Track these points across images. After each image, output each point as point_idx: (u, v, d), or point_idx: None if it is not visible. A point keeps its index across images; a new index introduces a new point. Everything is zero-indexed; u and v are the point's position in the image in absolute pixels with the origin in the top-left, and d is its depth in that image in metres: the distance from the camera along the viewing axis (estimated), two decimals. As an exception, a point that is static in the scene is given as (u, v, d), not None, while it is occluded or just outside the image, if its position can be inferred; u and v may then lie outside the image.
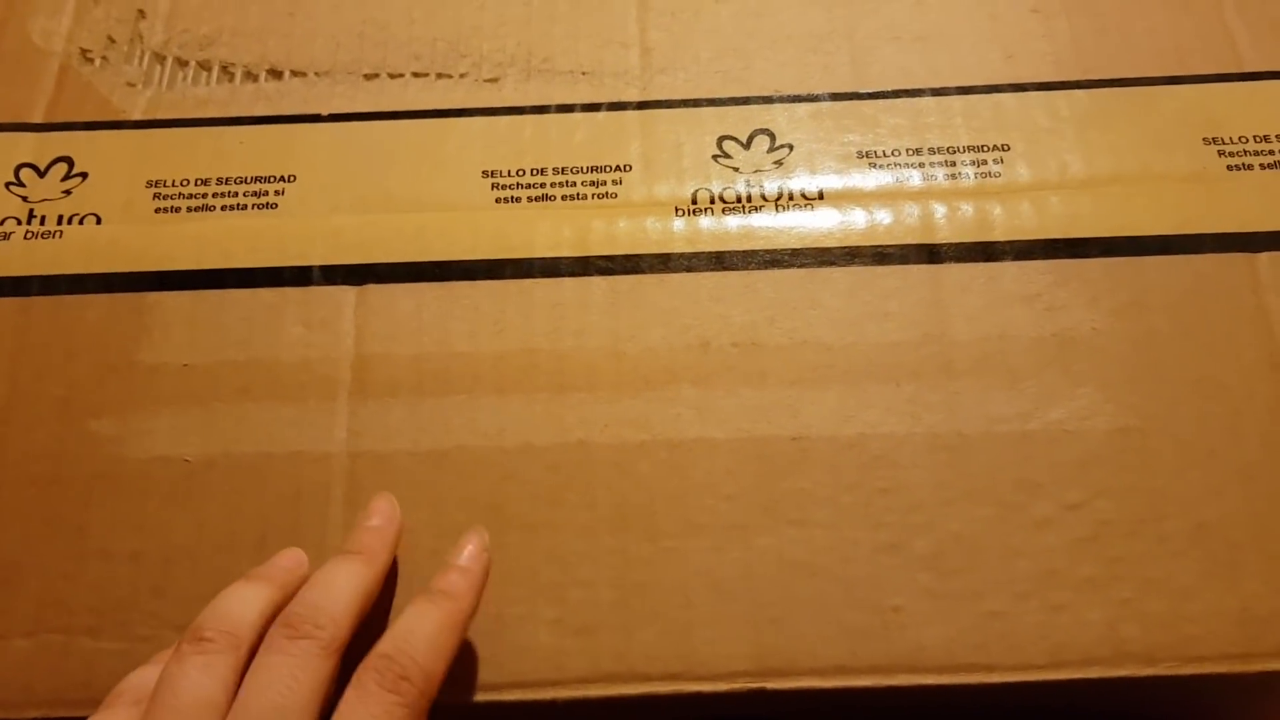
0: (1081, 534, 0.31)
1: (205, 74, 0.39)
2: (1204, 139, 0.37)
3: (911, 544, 0.31)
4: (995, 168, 0.36)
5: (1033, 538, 0.31)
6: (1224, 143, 0.36)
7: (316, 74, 0.39)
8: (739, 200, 0.36)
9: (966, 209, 0.35)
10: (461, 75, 0.39)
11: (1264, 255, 0.34)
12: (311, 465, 0.32)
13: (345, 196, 0.36)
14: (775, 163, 0.37)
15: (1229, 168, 0.36)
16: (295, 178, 0.37)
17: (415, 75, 0.39)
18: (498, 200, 0.36)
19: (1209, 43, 0.39)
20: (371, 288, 0.35)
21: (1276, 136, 0.37)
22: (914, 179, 0.36)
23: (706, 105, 0.38)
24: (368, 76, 0.39)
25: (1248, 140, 0.36)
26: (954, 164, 0.36)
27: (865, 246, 0.35)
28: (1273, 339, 0.33)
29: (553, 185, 0.37)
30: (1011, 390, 0.33)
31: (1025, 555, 0.31)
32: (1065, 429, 0.32)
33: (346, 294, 0.35)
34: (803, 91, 0.38)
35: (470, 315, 0.34)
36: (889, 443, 0.32)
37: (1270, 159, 0.36)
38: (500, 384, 0.33)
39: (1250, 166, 0.36)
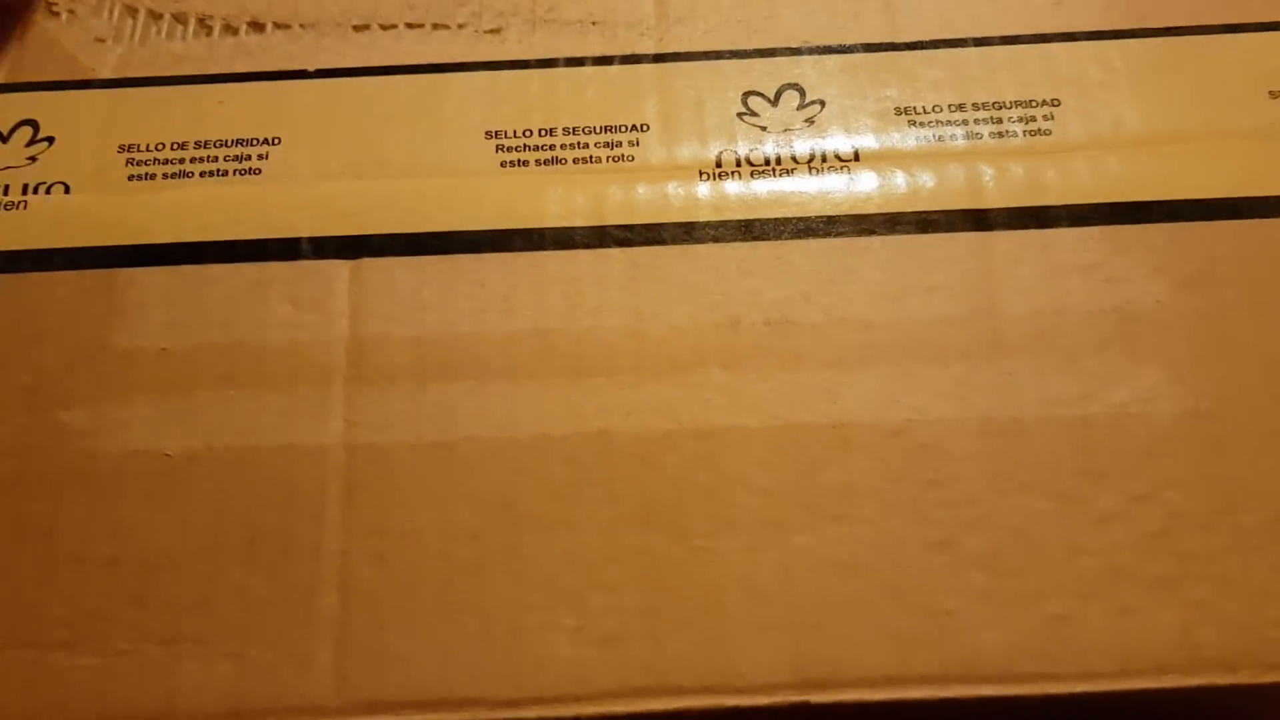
0: (1150, 528, 0.28)
1: (181, 28, 0.36)
2: (1270, 92, 0.34)
3: (964, 541, 0.28)
4: (1045, 124, 0.33)
5: (1097, 533, 0.28)
6: (1293, 96, 0.33)
7: (301, 26, 0.36)
8: (767, 163, 0.33)
9: (1016, 170, 0.32)
10: (460, 26, 0.36)
11: (1340, 219, 0.31)
12: (304, 459, 0.29)
13: (335, 161, 0.33)
14: (806, 121, 0.34)
15: (1299, 123, 0.33)
16: (280, 140, 0.33)
17: (409, 26, 0.36)
18: (503, 164, 0.33)
19: (1273, -13, 0.35)
20: (366, 262, 0.32)
21: (1350, 89, 0.33)
22: (958, 138, 0.33)
23: (729, 58, 0.35)
24: (357, 28, 0.35)
25: (1319, 93, 0.33)
26: (1000, 120, 0.33)
27: (907, 213, 0.32)
28: (1352, 311, 0.30)
29: (563, 147, 0.33)
30: (1069, 370, 0.30)
31: (1089, 553, 0.28)
32: (1129, 412, 0.30)
33: (339, 269, 0.31)
34: (833, 42, 0.35)
35: (476, 292, 0.31)
36: (938, 429, 0.30)
37: (1344, 113, 0.33)
38: (511, 368, 0.30)
39: (1322, 122, 0.33)
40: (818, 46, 0.35)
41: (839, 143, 0.33)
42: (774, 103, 0.34)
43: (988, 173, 0.32)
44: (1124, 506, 0.29)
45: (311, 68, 0.35)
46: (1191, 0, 0.35)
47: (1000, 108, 0.34)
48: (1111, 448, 0.29)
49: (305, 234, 0.32)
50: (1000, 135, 0.33)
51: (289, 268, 0.31)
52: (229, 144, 0.33)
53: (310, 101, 0.34)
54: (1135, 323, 0.31)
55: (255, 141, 0.33)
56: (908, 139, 0.33)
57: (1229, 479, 0.29)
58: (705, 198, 0.32)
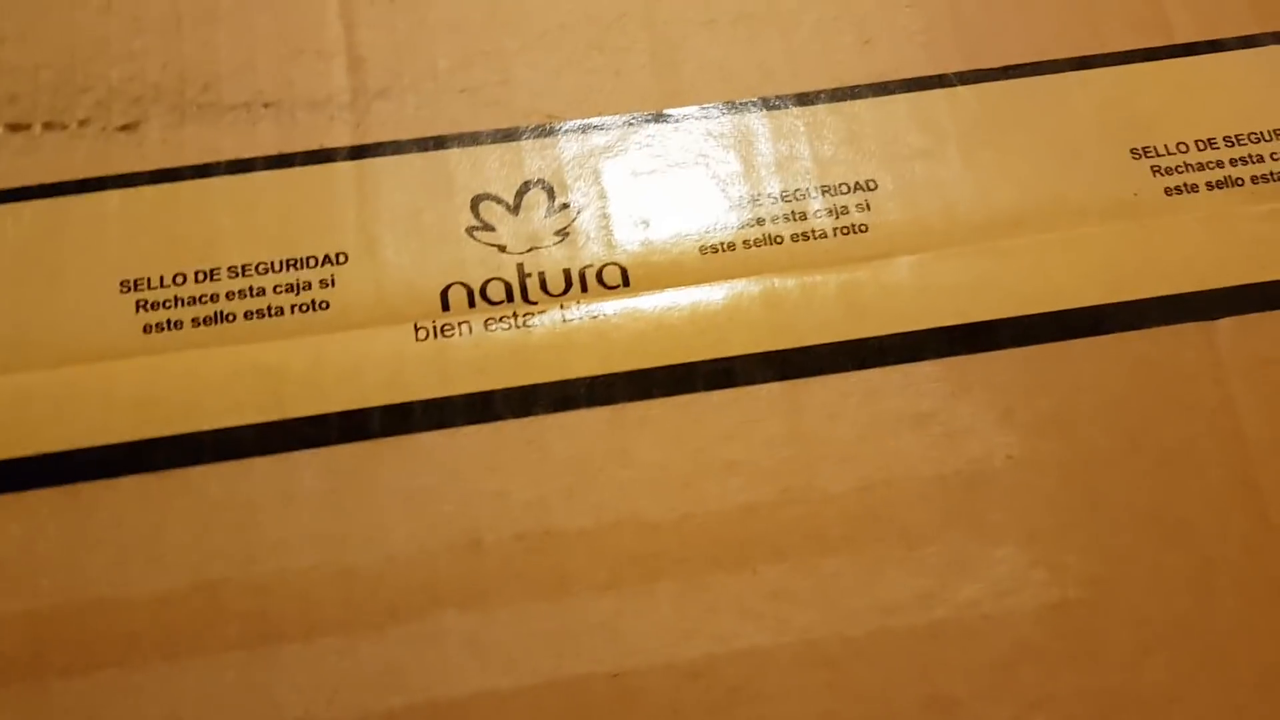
0: (1018, 773, 0.22)
1: None
2: (1132, 150, 0.27)
3: (791, 820, 0.22)
4: (860, 216, 0.26)
5: (954, 788, 0.22)
6: (1157, 154, 0.27)
7: None
8: (509, 297, 0.25)
9: (826, 286, 0.25)
10: (81, 123, 0.26)
11: (1224, 322, 0.25)
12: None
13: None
14: (558, 233, 0.26)
15: (1167, 191, 0.27)
16: None
17: (9, 129, 0.26)
18: (146, 329, 0.24)
19: (1128, 3, 0.28)
20: (-54, 507, 0.22)
21: (1223, 140, 0.27)
22: (751, 241, 0.26)
23: (453, 145, 0.26)
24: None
25: (1186, 148, 0.27)
26: (804, 216, 0.26)
27: (696, 362, 0.24)
28: (1243, 446, 0.24)
29: (229, 296, 0.25)
30: (908, 563, 0.23)
31: (946, 816, 0.22)
32: (983, 613, 0.23)
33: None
34: (590, 115, 0.27)
35: (112, 537, 0.22)
36: (749, 664, 0.23)
37: (1217, 173, 0.27)
38: (170, 645, 0.22)
39: (1194, 188, 0.27)
40: (569, 122, 0.27)
41: (601, 259, 0.25)
42: (514, 210, 0.26)
43: (791, 292, 0.25)
44: (985, 744, 0.22)
45: None
46: (1031, 30, 0.28)
47: (802, 197, 0.26)
48: (964, 665, 0.23)
49: None
50: (805, 237, 0.26)
51: None
52: None
53: None
54: (984, 488, 0.24)
55: None
56: (689, 251, 0.25)
57: (1111, 691, 0.23)
58: (426, 363, 0.24)
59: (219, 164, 0.26)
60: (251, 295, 0.25)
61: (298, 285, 0.25)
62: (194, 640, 0.22)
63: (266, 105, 0.26)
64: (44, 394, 0.23)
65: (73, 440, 0.23)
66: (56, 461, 0.23)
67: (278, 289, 0.25)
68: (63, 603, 0.22)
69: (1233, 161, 0.27)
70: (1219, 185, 0.27)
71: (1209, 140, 0.27)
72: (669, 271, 0.25)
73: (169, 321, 0.24)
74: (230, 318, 0.24)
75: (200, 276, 0.25)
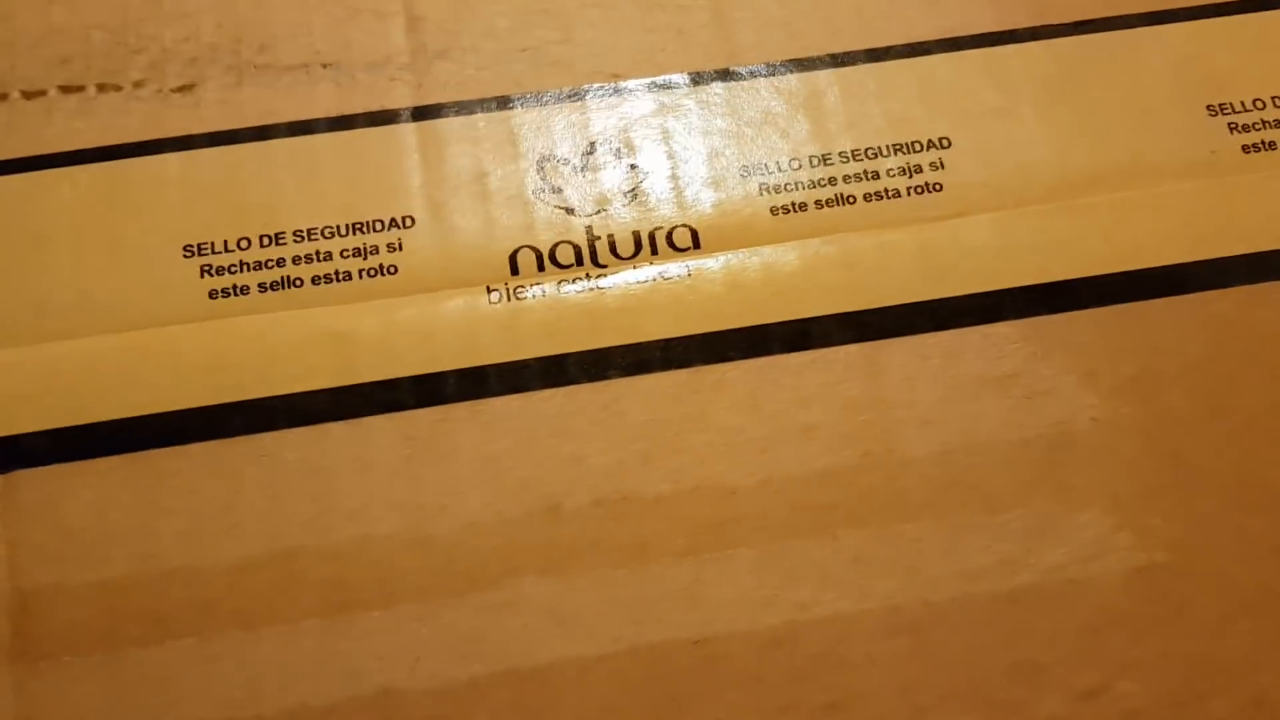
0: (1106, 738, 0.22)
1: None
2: (1208, 107, 0.26)
3: (877, 787, 0.22)
4: (933, 175, 0.25)
5: (1041, 753, 0.22)
6: (1234, 110, 0.26)
7: (-100, 102, 0.25)
8: (579, 260, 0.24)
9: (903, 246, 0.25)
10: (136, 84, 0.26)
11: (1308, 282, 0.25)
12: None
13: (-32, 317, 0.23)
14: (626, 194, 0.25)
15: (1244, 148, 0.26)
16: None
17: (63, 90, 0.25)
18: (211, 294, 0.24)
19: (1200, -42, 0.28)
20: (20, 476, 0.22)
21: (1301, 96, 0.26)
22: (824, 202, 0.25)
23: (516, 106, 0.26)
24: (-15, 101, 0.25)
25: (1265, 104, 0.26)
26: (877, 175, 0.25)
27: (771, 324, 0.24)
28: (1328, 408, 0.24)
29: (295, 261, 0.24)
30: (990, 528, 0.23)
31: (1033, 782, 0.22)
32: (1068, 578, 0.23)
33: (-20, 487, 0.22)
34: (655, 74, 0.26)
35: (185, 505, 0.22)
36: (830, 631, 0.22)
37: (1297, 130, 0.26)
38: (247, 613, 0.22)
39: (1273, 145, 0.26)
40: (634, 81, 0.26)
41: (671, 222, 0.25)
42: (582, 169, 0.25)
43: (867, 252, 0.24)
44: (1070, 709, 0.22)
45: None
46: (1103, -17, 0.27)
47: (874, 156, 0.25)
48: (1049, 629, 0.23)
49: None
50: (877, 196, 0.25)
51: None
52: None
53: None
54: (1068, 450, 0.24)
55: None
56: (760, 211, 0.25)
57: (1197, 656, 0.23)
58: (499, 327, 0.24)
59: (279, 126, 0.25)
60: (318, 260, 0.24)
61: (365, 249, 0.24)
62: (271, 609, 0.22)
63: (325, 66, 0.26)
64: (111, 359, 0.23)
65: (142, 406, 0.23)
66: (127, 428, 0.22)
67: (344, 254, 0.24)
68: (137, 572, 0.22)
69: (1312, 118, 0.26)
70: (1299, 142, 0.26)
71: (1288, 95, 0.26)
72: (740, 232, 0.25)
73: (235, 287, 0.24)
74: (298, 283, 0.24)
75: (265, 241, 0.24)
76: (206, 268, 0.24)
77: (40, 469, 0.22)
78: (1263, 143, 0.26)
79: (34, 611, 0.21)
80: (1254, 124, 0.26)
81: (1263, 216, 0.25)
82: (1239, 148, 0.26)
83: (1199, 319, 0.24)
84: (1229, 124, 0.26)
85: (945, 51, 0.27)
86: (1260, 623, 0.23)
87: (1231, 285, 0.25)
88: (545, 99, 0.26)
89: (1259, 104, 0.26)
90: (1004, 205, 0.25)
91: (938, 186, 0.25)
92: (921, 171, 0.26)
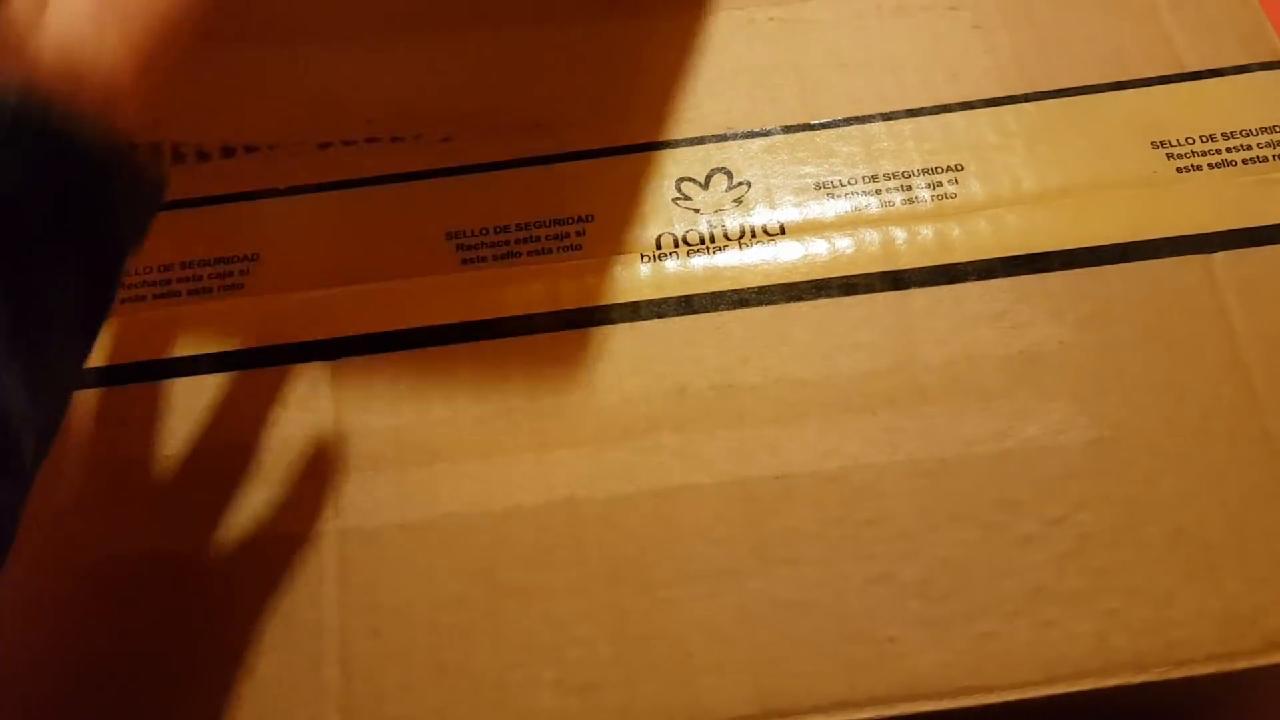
0: (1065, 548, 0.32)
1: (158, 151, 0.39)
2: (1152, 143, 0.37)
3: (900, 573, 0.32)
4: (951, 188, 0.37)
5: (1018, 556, 0.32)
6: (1171, 145, 0.37)
7: (270, 147, 0.39)
8: (702, 242, 0.36)
9: (926, 232, 0.36)
10: (416, 138, 0.39)
11: (1219, 255, 0.35)
12: (303, 546, 0.32)
13: (311, 271, 0.36)
14: (735, 200, 0.37)
15: (1178, 170, 0.37)
16: (259, 256, 0.37)
17: (369, 141, 0.39)
18: (464, 261, 0.37)
19: (1148, 46, 0.39)
20: (346, 361, 0.35)
21: (1221, 135, 0.37)
22: (872, 206, 0.37)
23: (663, 148, 0.39)
24: (321, 146, 0.39)
25: (1194, 141, 0.37)
26: (910, 188, 0.37)
27: (831, 279, 0.35)
28: (1233, 338, 0.34)
29: (517, 242, 0.37)
30: (985, 411, 0.33)
31: (1012, 574, 0.31)
32: (1041, 445, 0.33)
33: (321, 370, 0.35)
34: (755, 127, 0.39)
35: (446, 381, 0.34)
36: (870, 473, 0.33)
37: (1217, 158, 0.37)
38: (483, 447, 0.34)
39: (1199, 167, 0.37)
40: (741, 132, 0.39)
41: (765, 218, 0.37)
42: (705, 186, 0.38)
43: (900, 236, 0.36)
44: (1041, 530, 0.32)
45: (283, 185, 0.38)
46: (1075, 63, 0.39)
47: (909, 176, 0.37)
48: (1027, 478, 0.33)
49: (288, 340, 0.35)
50: (911, 201, 0.37)
51: (276, 373, 0.35)
52: (211, 263, 0.37)
53: (284, 217, 0.37)
54: (1041, 363, 0.34)
55: (236, 259, 0.37)
56: (827, 211, 0.37)
57: (1132, 498, 0.32)
58: (647, 278, 0.36)
59: (508, 161, 0.39)
60: (530, 241, 0.37)
61: (561, 235, 0.37)
62: (499, 445, 0.34)
63: (538, 125, 0.39)
64: (404, 293, 0.36)
65: (423, 321, 0.35)
66: (411, 335, 0.35)
67: (548, 237, 0.37)
68: (415, 421, 0.34)
69: (1229, 149, 0.37)
70: (1218, 166, 0.37)
71: (1210, 135, 0.37)
72: (813, 226, 0.37)
73: (478, 257, 0.37)
74: (518, 255, 0.37)
75: (498, 230, 0.37)
76: (460, 245, 0.37)
77: (359, 357, 0.35)
78: (1191, 166, 0.37)
79: (352, 442, 0.34)
80: (1185, 154, 0.37)
81: (1186, 212, 0.36)
82: (1174, 169, 0.37)
83: (1138, 279, 0.35)
84: (1166, 153, 0.37)
85: (962, 110, 0.39)
86: (1181, 478, 0.32)
87: (1161, 258, 0.35)
88: (681, 144, 0.39)
89: (1190, 140, 0.37)
90: (1000, 206, 0.36)
91: (953, 195, 0.37)
92: (941, 186, 0.37)
